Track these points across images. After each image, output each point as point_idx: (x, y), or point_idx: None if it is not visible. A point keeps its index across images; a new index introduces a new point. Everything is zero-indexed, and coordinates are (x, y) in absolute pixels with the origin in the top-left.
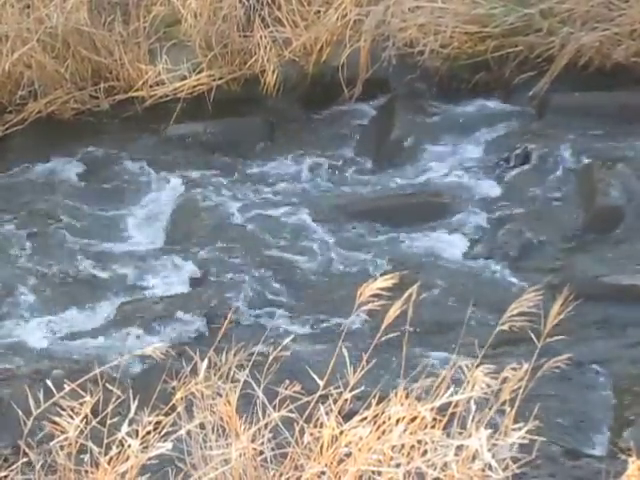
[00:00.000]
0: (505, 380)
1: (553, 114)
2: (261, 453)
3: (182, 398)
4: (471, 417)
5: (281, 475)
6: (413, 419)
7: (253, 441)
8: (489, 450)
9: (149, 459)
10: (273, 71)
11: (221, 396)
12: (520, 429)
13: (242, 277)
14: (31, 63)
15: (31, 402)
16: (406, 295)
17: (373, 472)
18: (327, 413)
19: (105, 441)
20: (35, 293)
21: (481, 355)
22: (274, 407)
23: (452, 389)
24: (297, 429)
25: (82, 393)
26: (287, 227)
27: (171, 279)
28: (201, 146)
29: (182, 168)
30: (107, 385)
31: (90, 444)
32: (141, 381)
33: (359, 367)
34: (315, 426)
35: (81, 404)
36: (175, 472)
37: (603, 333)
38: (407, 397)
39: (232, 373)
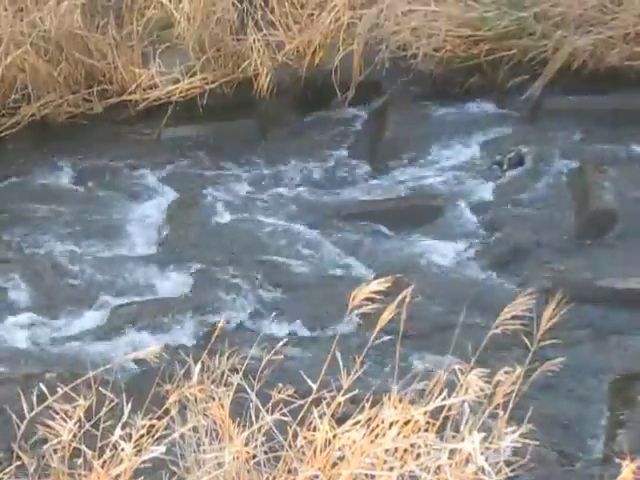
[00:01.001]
0: (498, 384)
1: (546, 117)
2: (254, 457)
3: (175, 402)
4: (464, 420)
5: (274, 478)
6: (406, 422)
7: (246, 445)
8: (482, 453)
9: (143, 463)
10: (266, 74)
11: (214, 400)
12: (513, 432)
13: (235, 280)
14: (24, 66)
15: (24, 405)
16: (399, 298)
17: (366, 475)
18: (320, 416)
19: (99, 444)
20: (28, 296)
21: (474, 359)
22: (267, 411)
23: (445, 392)
24: (290, 433)
25: (75, 396)
26: (280, 230)
27: (164, 282)
28: (194, 149)
29: (175, 171)
30: (100, 388)
31: (84, 447)
32: (134, 384)
33: (352, 370)
34: (308, 429)
35: (74, 407)
36: (169, 476)
37: (596, 337)
38: (400, 401)
39: (225, 377)
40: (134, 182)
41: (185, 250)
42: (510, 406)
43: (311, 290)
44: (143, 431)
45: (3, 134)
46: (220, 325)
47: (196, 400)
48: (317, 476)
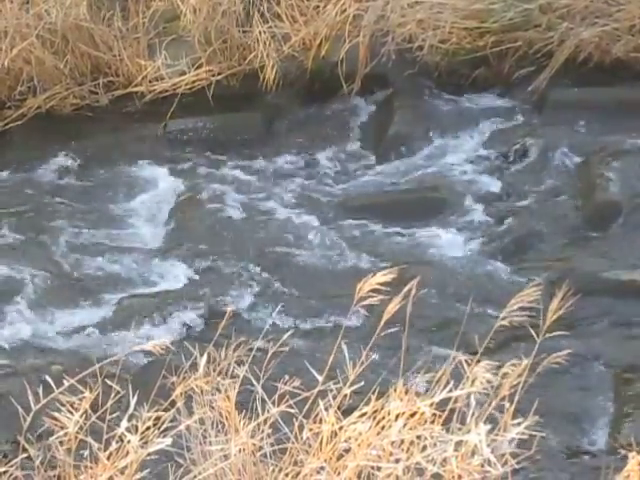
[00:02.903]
0: (505, 375)
1: (552, 109)
2: (260, 448)
3: (181, 394)
4: (470, 412)
5: (280, 470)
6: (412, 414)
7: (252, 436)
8: (488, 445)
9: (149, 455)
10: (272, 66)
11: (220, 392)
12: (519, 424)
13: (241, 272)
14: (30, 59)
15: (30, 397)
16: (405, 290)
17: (372, 467)
18: (326, 408)
19: (105, 437)
20: (34, 289)
21: (481, 350)
22: (273, 402)
23: (452, 384)
24: (296, 424)
25: (81, 389)
26: (286, 222)
27: (171, 274)
28: (200, 141)
29: (181, 163)
30: (107, 380)
31: (90, 440)
32: (141, 376)
33: (358, 362)
34: (314, 421)
35: (80, 399)
36: (175, 467)
37: (602, 328)
38: (406, 392)
39: (231, 369)
40: (140, 174)
41: (191, 242)
42: (516, 398)
43: (317, 282)
44: (149, 423)
45: (9, 126)
46: (226, 317)
47: (202, 392)
48: (323, 468)
